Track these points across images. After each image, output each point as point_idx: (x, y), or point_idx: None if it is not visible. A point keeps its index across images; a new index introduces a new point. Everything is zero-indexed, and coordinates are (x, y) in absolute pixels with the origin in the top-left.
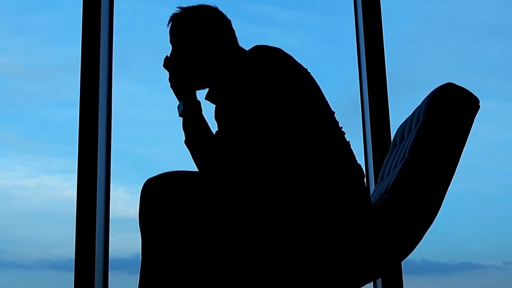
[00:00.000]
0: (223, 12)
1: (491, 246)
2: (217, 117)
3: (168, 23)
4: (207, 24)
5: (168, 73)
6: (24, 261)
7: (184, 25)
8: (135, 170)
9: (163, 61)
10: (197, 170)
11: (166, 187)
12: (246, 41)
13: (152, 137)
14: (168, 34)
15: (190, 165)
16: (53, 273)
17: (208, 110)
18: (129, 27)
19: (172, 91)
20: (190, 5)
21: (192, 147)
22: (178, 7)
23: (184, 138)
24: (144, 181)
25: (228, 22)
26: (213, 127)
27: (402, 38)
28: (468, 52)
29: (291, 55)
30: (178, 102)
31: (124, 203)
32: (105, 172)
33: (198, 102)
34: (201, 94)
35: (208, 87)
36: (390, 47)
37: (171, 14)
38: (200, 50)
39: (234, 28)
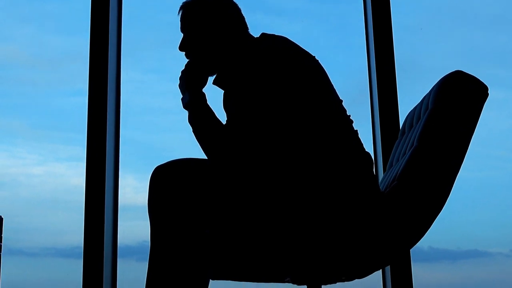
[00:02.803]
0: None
1: (499, 234)
2: (225, 102)
3: (179, 12)
4: (217, 11)
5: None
6: (31, 249)
7: (194, 13)
8: (143, 157)
9: (179, 45)
10: (206, 158)
11: (175, 174)
12: (253, 29)
13: (160, 125)
14: (179, 21)
15: (199, 153)
16: (60, 261)
17: (213, 98)
18: (137, 16)
19: (179, 81)
20: None
21: (201, 136)
22: None
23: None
24: (153, 169)
25: (237, 9)
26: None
27: (410, 27)
28: (476, 41)
29: (298, 43)
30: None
31: (133, 190)
32: (113, 160)
33: (203, 93)
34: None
35: (217, 73)
36: (398, 35)
37: (181, 3)
38: (211, 37)
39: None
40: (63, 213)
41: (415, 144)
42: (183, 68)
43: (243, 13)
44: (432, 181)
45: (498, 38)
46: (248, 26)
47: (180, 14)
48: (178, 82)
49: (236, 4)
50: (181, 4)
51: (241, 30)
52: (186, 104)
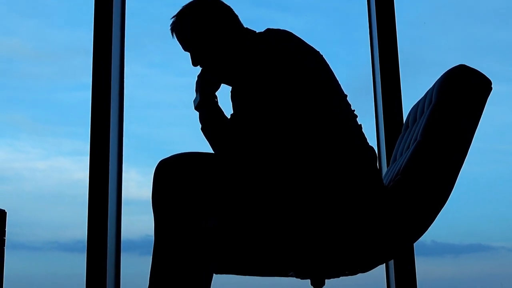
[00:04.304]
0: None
1: (502, 228)
2: (233, 98)
3: (172, 34)
4: (211, 20)
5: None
6: (34, 243)
7: (191, 31)
8: (147, 152)
9: (191, 62)
10: (210, 151)
11: (180, 168)
12: (256, 24)
13: (164, 119)
14: (178, 43)
15: (202, 146)
16: (62, 255)
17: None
18: (141, 10)
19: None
20: (184, 6)
21: (210, 135)
22: (173, 16)
23: (200, 125)
24: (157, 163)
25: (229, 9)
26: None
27: (414, 21)
28: (479, 35)
29: (302, 38)
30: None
31: (136, 185)
32: (117, 154)
33: (215, 96)
34: None
35: (226, 73)
36: (402, 29)
37: (170, 25)
38: (216, 46)
39: (243, 10)
40: (66, 207)
41: (418, 138)
42: (200, 72)
43: (246, 8)
44: (436, 175)
45: (501, 32)
46: (250, 22)
47: (175, 35)
48: (182, 77)
49: (224, 3)
50: (170, 26)
51: (238, 29)
52: (196, 106)
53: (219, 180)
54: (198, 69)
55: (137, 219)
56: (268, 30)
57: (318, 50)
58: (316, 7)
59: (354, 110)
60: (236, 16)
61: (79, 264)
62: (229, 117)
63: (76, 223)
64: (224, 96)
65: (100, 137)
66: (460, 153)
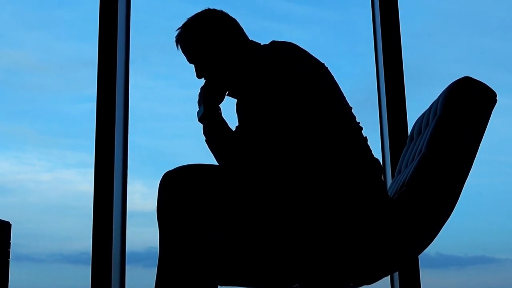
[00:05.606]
0: (223, 11)
1: (507, 240)
2: (238, 110)
3: (177, 45)
4: (216, 32)
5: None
6: (39, 255)
7: (196, 41)
8: (152, 164)
9: (195, 74)
10: (215, 163)
11: (185, 180)
12: (262, 36)
13: (169, 130)
14: (183, 54)
15: (207, 158)
16: (67, 267)
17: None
18: (146, 22)
19: (198, 97)
20: (190, 18)
21: (214, 147)
22: (178, 28)
23: (204, 138)
24: (162, 175)
25: (233, 22)
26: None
27: (419, 33)
28: (484, 46)
29: (307, 50)
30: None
31: (141, 196)
32: (122, 166)
33: (219, 107)
34: None
35: (231, 85)
36: (406, 41)
37: (175, 37)
38: (220, 57)
39: (248, 22)
40: (71, 219)
41: (423, 150)
42: (203, 84)
43: (251, 20)
44: (441, 187)
45: (506, 44)
46: (255, 33)
47: (180, 47)
48: (187, 89)
49: (229, 16)
50: (175, 38)
51: (243, 40)
52: (200, 118)
53: (223, 192)
54: (203, 81)
55: (142, 231)
56: (273, 42)
57: (323, 62)
58: (320, 19)
59: (359, 123)
60: (241, 28)
61: (84, 276)
62: (234, 129)
63: (80, 235)
64: (228, 108)
65: (105, 149)
66: (465, 165)
